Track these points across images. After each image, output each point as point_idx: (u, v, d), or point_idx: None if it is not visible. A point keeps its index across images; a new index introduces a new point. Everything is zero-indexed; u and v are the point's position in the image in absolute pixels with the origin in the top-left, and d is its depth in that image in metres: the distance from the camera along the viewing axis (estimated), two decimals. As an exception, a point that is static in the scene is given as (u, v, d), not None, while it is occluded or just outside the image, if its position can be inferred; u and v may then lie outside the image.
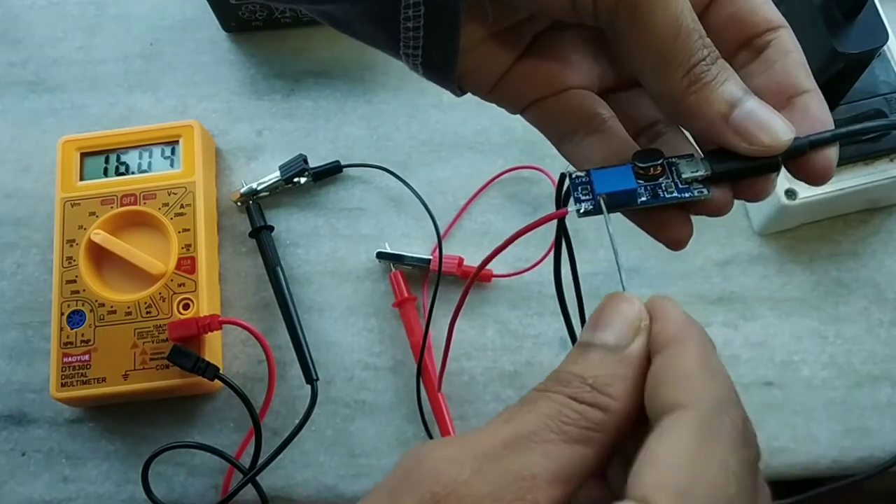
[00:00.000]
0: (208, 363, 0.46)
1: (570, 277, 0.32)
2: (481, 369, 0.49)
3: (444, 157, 0.54)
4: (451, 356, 0.49)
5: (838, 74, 0.43)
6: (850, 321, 0.49)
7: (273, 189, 0.53)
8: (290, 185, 0.53)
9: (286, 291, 0.50)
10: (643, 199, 0.27)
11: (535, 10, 0.28)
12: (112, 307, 0.48)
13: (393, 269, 0.51)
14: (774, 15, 0.28)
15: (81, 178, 0.51)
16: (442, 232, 0.52)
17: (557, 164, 0.53)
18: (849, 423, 0.47)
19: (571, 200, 0.27)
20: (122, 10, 0.59)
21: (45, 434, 0.49)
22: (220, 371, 0.46)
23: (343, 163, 0.53)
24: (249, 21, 0.56)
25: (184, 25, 0.58)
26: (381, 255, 0.51)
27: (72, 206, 0.50)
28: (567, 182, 0.27)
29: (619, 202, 0.27)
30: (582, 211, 0.27)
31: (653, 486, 0.20)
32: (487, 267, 0.51)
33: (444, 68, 0.28)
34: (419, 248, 0.52)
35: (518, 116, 0.53)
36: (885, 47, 0.45)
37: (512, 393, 0.49)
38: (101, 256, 0.50)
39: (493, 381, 0.49)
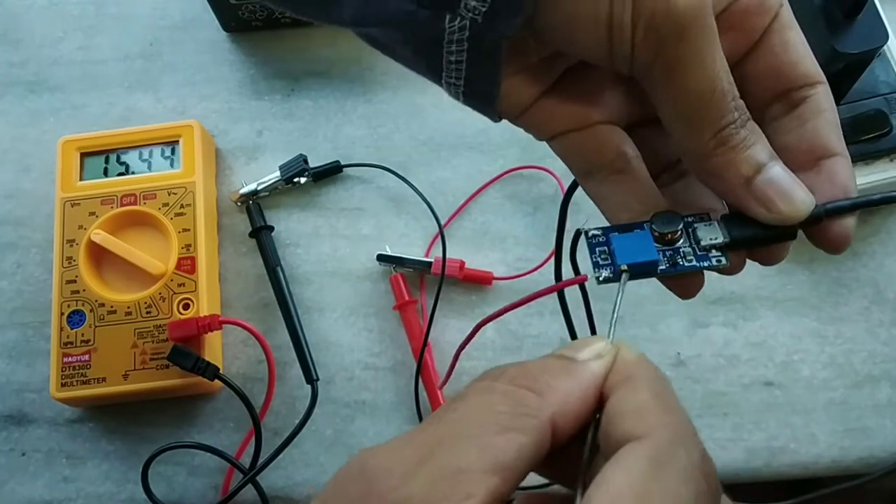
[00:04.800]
0: (208, 363, 0.46)
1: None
2: (481, 369, 0.49)
3: (444, 157, 0.54)
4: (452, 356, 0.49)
5: (838, 74, 0.43)
6: (850, 321, 0.49)
7: (273, 189, 0.53)
8: (290, 185, 0.53)
9: (286, 291, 0.50)
10: (662, 268, 0.27)
11: (572, 53, 0.27)
12: (112, 307, 0.48)
13: (393, 272, 0.51)
14: (814, 70, 0.27)
15: (81, 178, 0.51)
16: (433, 241, 0.51)
17: (558, 163, 0.53)
18: (849, 423, 0.47)
19: (590, 264, 0.27)
20: (122, 10, 0.59)
21: (45, 434, 0.49)
22: (220, 371, 0.46)
23: (343, 163, 0.53)
24: (249, 21, 0.56)
25: (184, 25, 0.58)
26: (381, 258, 0.51)
27: (72, 206, 0.50)
28: (582, 239, 0.27)
29: (640, 272, 0.27)
30: (602, 278, 0.27)
31: None
32: (487, 269, 0.51)
33: (486, 98, 0.28)
34: (419, 248, 0.52)
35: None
36: (885, 47, 0.45)
37: (512, 393, 0.49)
38: (101, 256, 0.49)
39: (493, 381, 0.49)
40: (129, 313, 0.48)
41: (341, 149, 0.54)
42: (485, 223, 0.52)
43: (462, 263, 0.50)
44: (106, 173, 0.52)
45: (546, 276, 0.50)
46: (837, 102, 0.46)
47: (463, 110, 0.59)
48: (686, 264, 0.27)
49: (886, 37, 0.41)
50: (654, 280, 0.50)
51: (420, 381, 0.48)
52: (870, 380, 0.48)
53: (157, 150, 0.52)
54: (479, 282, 0.51)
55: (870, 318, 0.50)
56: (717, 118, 0.25)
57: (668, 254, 0.27)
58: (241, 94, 0.56)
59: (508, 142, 0.54)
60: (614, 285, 0.27)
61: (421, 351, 0.48)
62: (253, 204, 0.53)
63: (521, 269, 0.50)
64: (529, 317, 0.50)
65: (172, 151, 0.52)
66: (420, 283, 0.51)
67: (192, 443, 0.47)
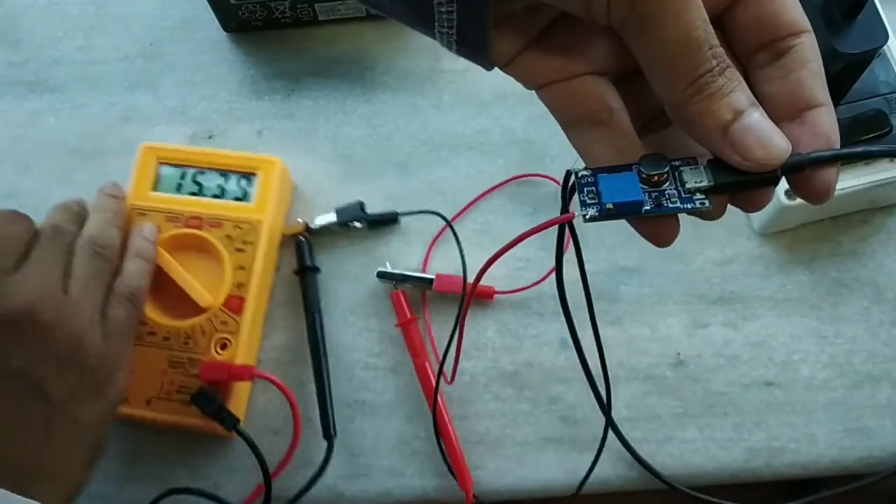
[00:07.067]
0: (229, 413, 0.45)
1: (572, 276, 0.32)
2: (481, 369, 0.49)
3: (444, 157, 0.54)
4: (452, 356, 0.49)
5: (838, 74, 0.43)
6: (850, 321, 0.49)
7: (326, 231, 0.52)
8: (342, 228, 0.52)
9: (320, 339, 0.49)
10: (647, 208, 0.27)
11: (553, 4, 0.28)
12: (152, 328, 0.47)
13: (395, 289, 0.50)
14: (800, 19, 0.28)
15: (155, 189, 0.50)
16: (439, 234, 0.52)
17: (557, 164, 0.54)
18: (849, 423, 0.47)
19: (576, 202, 0.28)
20: (122, 10, 0.59)
21: (46, 434, 0.49)
22: (241, 423, 0.45)
23: (398, 210, 0.52)
24: (249, 21, 0.56)
25: (184, 25, 0.58)
26: (381, 275, 0.50)
27: (138, 216, 0.49)
28: (572, 180, 0.28)
29: (625, 211, 0.27)
30: (588, 216, 0.27)
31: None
32: (490, 284, 0.50)
33: (477, 47, 0.29)
34: (419, 250, 0.52)
35: (517, 117, 0.53)
36: (885, 47, 0.45)
37: (512, 392, 0.49)
38: (154, 273, 0.47)
39: (493, 381, 0.49)
40: (167, 339, 0.47)
41: (341, 149, 0.54)
42: (485, 224, 0.52)
43: (462, 280, 0.50)
44: (179, 189, 0.50)
45: (548, 289, 0.50)
46: (837, 102, 0.46)
47: (463, 111, 0.59)
48: (670, 205, 0.27)
49: (886, 37, 0.41)
50: (654, 280, 0.50)
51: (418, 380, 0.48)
52: (870, 380, 0.48)
53: (233, 178, 0.50)
54: (480, 297, 0.50)
55: (870, 318, 0.50)
56: (693, 68, 0.25)
57: (653, 195, 0.27)
58: (241, 94, 0.56)
59: (508, 142, 0.54)
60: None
61: (434, 374, 0.48)
62: (304, 241, 0.51)
63: (522, 272, 0.50)
64: (529, 317, 0.50)
65: (248, 183, 0.50)
66: (422, 299, 0.51)
67: (198, 489, 0.46)
